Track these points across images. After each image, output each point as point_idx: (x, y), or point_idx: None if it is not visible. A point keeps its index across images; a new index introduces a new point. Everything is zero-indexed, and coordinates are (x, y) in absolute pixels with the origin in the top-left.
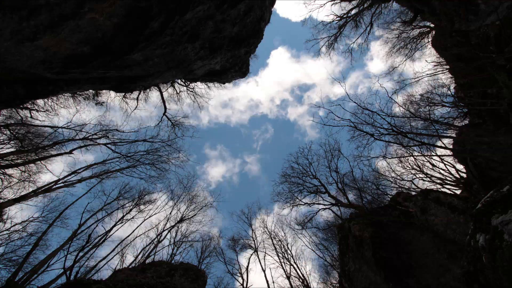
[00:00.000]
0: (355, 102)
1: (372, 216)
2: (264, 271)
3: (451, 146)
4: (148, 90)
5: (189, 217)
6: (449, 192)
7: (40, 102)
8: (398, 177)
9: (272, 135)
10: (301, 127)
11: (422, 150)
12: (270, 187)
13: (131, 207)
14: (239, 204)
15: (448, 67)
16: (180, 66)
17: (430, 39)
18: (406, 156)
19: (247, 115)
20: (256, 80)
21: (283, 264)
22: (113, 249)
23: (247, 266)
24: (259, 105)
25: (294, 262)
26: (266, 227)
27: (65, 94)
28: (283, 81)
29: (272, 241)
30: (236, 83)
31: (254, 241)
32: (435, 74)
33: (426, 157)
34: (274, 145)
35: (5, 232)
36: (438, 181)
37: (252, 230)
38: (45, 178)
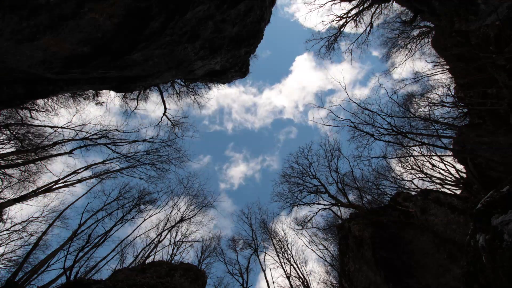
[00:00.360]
0: (355, 102)
1: (372, 216)
2: (264, 271)
3: (451, 146)
4: (148, 90)
5: (189, 217)
6: (449, 192)
7: (40, 102)
8: (398, 177)
9: (294, 139)
10: (321, 130)
11: (422, 150)
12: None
13: (131, 207)
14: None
15: (448, 67)
16: (180, 66)
17: (430, 39)
18: (406, 156)
19: (270, 121)
20: (279, 87)
21: (283, 264)
22: (113, 249)
23: (247, 266)
24: (282, 111)
25: (294, 262)
26: (266, 227)
27: (65, 94)
28: (306, 87)
29: (272, 241)
30: (261, 90)
31: (254, 241)
32: (435, 74)
33: (426, 157)
34: (296, 148)
35: (5, 232)
36: (438, 181)
37: (252, 230)
38: (45, 178)
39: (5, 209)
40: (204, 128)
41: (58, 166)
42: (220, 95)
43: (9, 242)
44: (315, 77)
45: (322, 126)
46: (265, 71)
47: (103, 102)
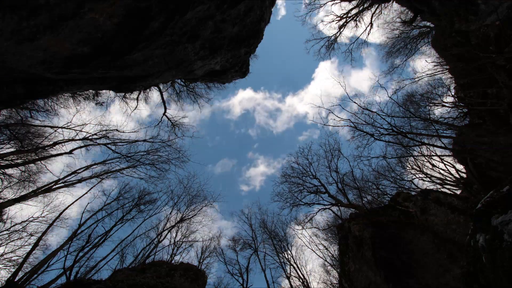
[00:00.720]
0: (355, 102)
1: (372, 216)
2: (264, 271)
3: (451, 146)
4: (148, 90)
5: (189, 217)
6: (449, 192)
7: (40, 102)
8: (398, 177)
9: (316, 139)
10: (341, 132)
11: (422, 150)
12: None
13: (131, 207)
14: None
15: (448, 67)
16: (180, 66)
17: (430, 39)
18: (406, 156)
19: (293, 124)
20: (302, 94)
21: (283, 264)
22: (113, 249)
23: (247, 266)
24: (305, 116)
25: (294, 262)
26: (266, 227)
27: (65, 94)
28: (330, 92)
29: (272, 241)
30: (285, 94)
31: (254, 241)
32: (435, 74)
33: (426, 157)
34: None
35: (5, 232)
36: (438, 181)
37: (252, 230)
38: (45, 178)
39: (5, 209)
40: (230, 134)
41: (58, 166)
42: (243, 100)
43: (9, 242)
44: (337, 82)
45: (342, 130)
46: (289, 78)
47: (103, 102)
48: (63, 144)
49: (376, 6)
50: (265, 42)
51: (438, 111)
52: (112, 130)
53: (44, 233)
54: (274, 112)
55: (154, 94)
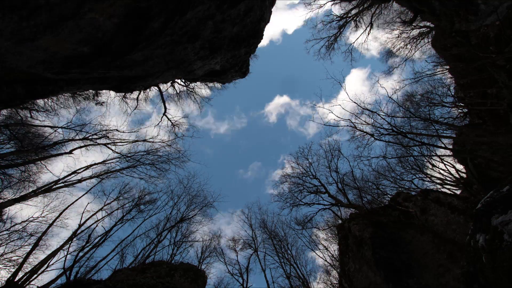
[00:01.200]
0: (355, 103)
1: (372, 216)
2: (264, 271)
3: (451, 146)
4: (148, 90)
5: (189, 217)
6: (449, 192)
7: (40, 102)
8: (398, 177)
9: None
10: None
11: (422, 150)
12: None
13: (131, 207)
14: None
15: (448, 67)
16: (180, 66)
17: (430, 39)
18: (406, 156)
19: (322, 130)
20: (334, 101)
21: (283, 264)
22: (113, 249)
23: (247, 266)
24: (338, 123)
25: (294, 262)
26: (266, 227)
27: (65, 94)
28: (361, 98)
29: (272, 241)
30: (318, 101)
31: (254, 241)
32: (435, 74)
33: (426, 157)
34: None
35: (5, 232)
36: (438, 181)
37: (252, 230)
38: (45, 178)
39: (5, 209)
40: (263, 139)
41: (58, 166)
42: (278, 106)
43: (9, 242)
44: (367, 89)
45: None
46: (320, 86)
47: (103, 102)
48: (63, 144)
49: (376, 6)
50: (299, 52)
51: (438, 111)
52: (112, 130)
53: (44, 233)
54: (306, 117)
55: (154, 94)
